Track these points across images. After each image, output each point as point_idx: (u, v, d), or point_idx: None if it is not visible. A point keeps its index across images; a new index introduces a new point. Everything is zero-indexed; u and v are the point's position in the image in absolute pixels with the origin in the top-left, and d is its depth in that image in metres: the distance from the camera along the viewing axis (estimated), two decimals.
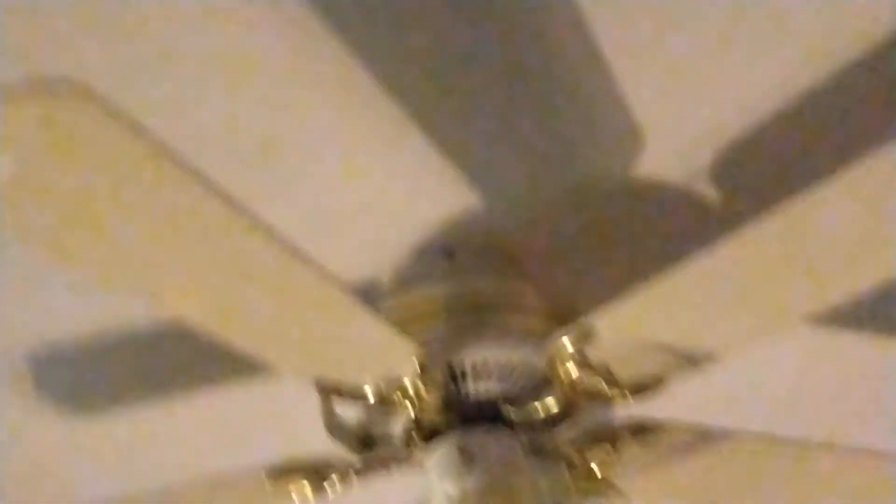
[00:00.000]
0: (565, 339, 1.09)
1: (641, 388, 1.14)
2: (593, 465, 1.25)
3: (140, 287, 0.88)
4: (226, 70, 1.01)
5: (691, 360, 1.11)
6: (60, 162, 0.69)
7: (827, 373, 1.48)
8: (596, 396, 1.14)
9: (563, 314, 1.17)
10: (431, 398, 1.13)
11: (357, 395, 1.10)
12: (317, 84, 1.04)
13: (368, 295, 1.25)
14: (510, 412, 1.18)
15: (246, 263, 0.85)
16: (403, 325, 1.14)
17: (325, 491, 1.22)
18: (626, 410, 1.22)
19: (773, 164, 1.22)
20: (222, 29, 0.97)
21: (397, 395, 1.10)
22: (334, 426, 1.19)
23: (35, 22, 0.93)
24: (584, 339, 1.08)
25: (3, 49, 0.93)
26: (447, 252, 1.25)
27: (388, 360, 1.03)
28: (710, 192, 1.24)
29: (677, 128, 1.17)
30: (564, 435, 1.23)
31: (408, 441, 1.19)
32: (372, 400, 1.10)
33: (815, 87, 1.14)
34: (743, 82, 1.13)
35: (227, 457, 1.30)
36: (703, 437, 1.29)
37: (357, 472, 1.23)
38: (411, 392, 1.09)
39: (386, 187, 1.18)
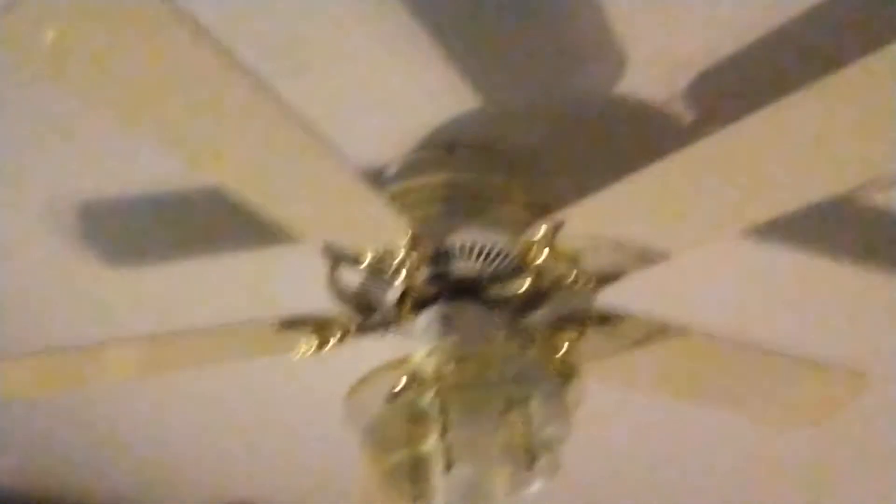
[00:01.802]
0: (540, 230, 1.26)
1: (603, 278, 1.32)
2: (560, 346, 1.44)
3: (182, 151, 1.06)
4: None
5: (647, 257, 1.28)
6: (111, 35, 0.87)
7: (766, 284, 1.65)
8: (563, 282, 1.32)
9: (544, 209, 1.34)
10: (421, 271, 1.31)
11: (358, 262, 1.29)
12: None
13: (376, 179, 1.43)
14: (490, 291, 1.36)
15: (269, 139, 1.02)
16: (403, 206, 1.32)
17: (327, 344, 1.42)
18: (592, 301, 1.40)
19: (749, 89, 1.36)
20: None
21: (392, 266, 1.28)
22: (338, 290, 1.39)
23: None
24: (555, 230, 1.25)
25: None
26: (448, 146, 1.41)
27: (385, 233, 1.22)
28: (687, 113, 1.39)
29: (660, 50, 1.30)
30: (537, 317, 1.42)
31: (400, 308, 1.37)
32: (370, 267, 1.29)
33: (792, 15, 1.25)
34: (723, 11, 1.25)
35: (247, 311, 1.48)
36: (660, 331, 1.47)
37: (355, 331, 1.42)
38: (404, 263, 1.27)
39: (398, 87, 1.34)
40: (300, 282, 1.46)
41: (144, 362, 1.55)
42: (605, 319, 1.44)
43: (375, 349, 1.40)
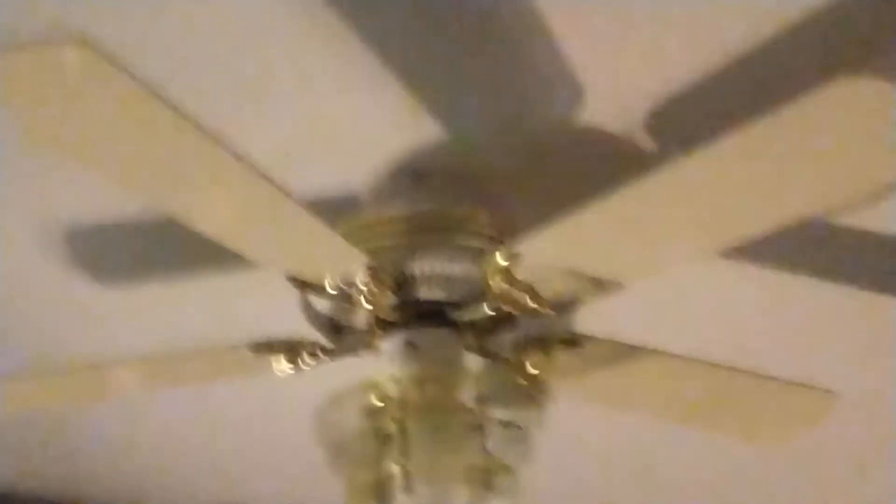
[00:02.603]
0: (497, 259, 1.30)
1: (560, 305, 1.35)
2: (528, 367, 1.47)
3: (137, 192, 1.12)
4: (221, 16, 1.22)
5: (601, 286, 1.31)
6: (63, 96, 0.92)
7: (738, 302, 1.67)
8: (522, 308, 1.35)
9: (504, 238, 1.37)
10: (385, 297, 1.35)
11: (322, 291, 1.34)
12: (305, 32, 1.24)
13: (346, 206, 1.48)
14: (454, 315, 1.40)
15: (219, 180, 1.08)
16: (365, 235, 1.37)
17: (299, 365, 1.47)
18: (556, 325, 1.44)
19: (708, 116, 1.39)
20: None
21: (354, 294, 1.32)
22: (309, 313, 1.44)
23: None
24: (511, 259, 1.29)
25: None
26: (414, 175, 1.46)
27: (342, 265, 1.26)
28: (648, 141, 1.42)
29: (619, 80, 1.34)
30: (503, 339, 1.46)
31: (369, 331, 1.42)
32: (333, 296, 1.34)
33: (745, 44, 1.28)
34: (680, 41, 1.27)
35: (220, 332, 1.55)
36: (626, 352, 1.50)
37: (326, 353, 1.47)
38: (365, 292, 1.31)
39: (363, 117, 1.38)
40: (277, 302, 1.51)
41: (138, 382, 1.62)
42: (570, 341, 1.47)
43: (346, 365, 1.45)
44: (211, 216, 1.15)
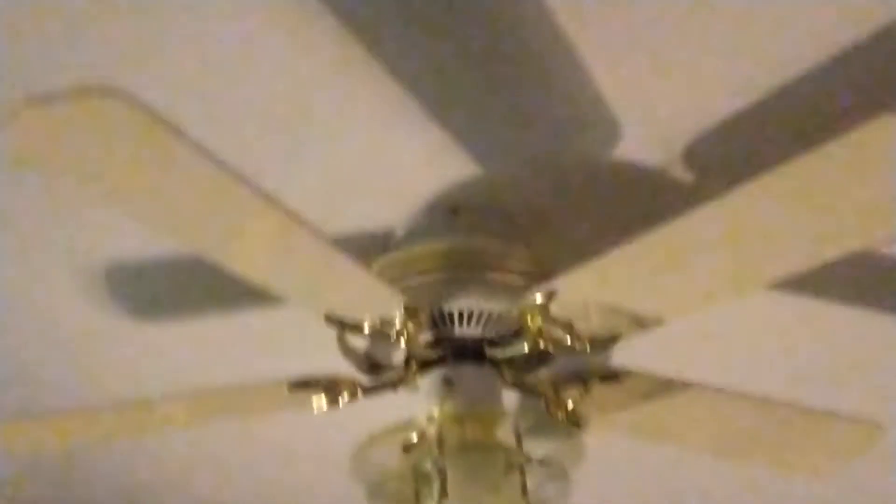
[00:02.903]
0: (534, 296, 1.29)
1: (599, 342, 1.34)
2: (566, 402, 1.46)
3: (171, 237, 1.13)
4: (256, 60, 1.23)
5: (640, 323, 1.30)
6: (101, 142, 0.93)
7: (783, 334, 1.64)
8: (560, 345, 1.34)
9: (541, 275, 1.37)
10: (422, 335, 1.35)
11: (360, 329, 1.34)
12: (338, 74, 1.25)
13: (383, 242, 1.48)
14: (491, 352, 1.40)
15: (257, 229, 1.08)
16: (402, 274, 1.37)
17: (337, 403, 1.47)
18: (594, 360, 1.42)
19: (745, 149, 1.37)
20: (251, 21, 1.18)
21: (392, 332, 1.32)
22: (347, 351, 1.44)
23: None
24: (548, 296, 1.28)
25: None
26: (452, 209, 1.45)
27: (379, 306, 1.26)
28: (684, 174, 1.40)
29: (654, 114, 1.33)
30: (541, 374, 1.45)
31: (406, 368, 1.42)
32: (371, 334, 1.34)
33: (786, 78, 1.26)
34: (717, 73, 1.26)
35: (256, 368, 1.55)
36: (666, 386, 1.49)
37: (366, 390, 1.47)
38: (402, 331, 1.31)
39: (399, 154, 1.38)
40: (311, 338, 1.51)
41: (183, 416, 1.62)
42: (609, 376, 1.46)
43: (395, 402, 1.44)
44: (247, 260, 1.16)
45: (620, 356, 1.48)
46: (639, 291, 1.27)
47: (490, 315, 1.37)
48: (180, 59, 1.22)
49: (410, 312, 1.29)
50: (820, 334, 1.66)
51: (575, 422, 1.47)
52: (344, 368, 1.45)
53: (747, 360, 1.72)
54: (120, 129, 0.95)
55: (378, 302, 1.26)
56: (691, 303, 1.29)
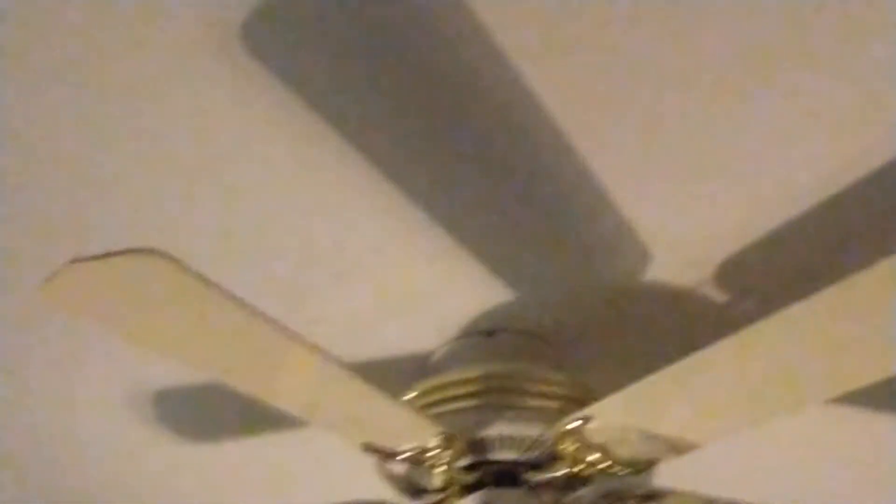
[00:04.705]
0: (569, 422, 1.30)
1: (636, 466, 1.34)
2: None
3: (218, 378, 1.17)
4: (295, 200, 1.28)
5: (677, 448, 1.30)
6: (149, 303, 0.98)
7: (833, 450, 1.62)
8: (596, 469, 1.34)
9: (576, 399, 1.38)
10: (460, 461, 1.36)
11: (398, 456, 1.35)
12: (374, 208, 1.30)
13: (422, 366, 1.50)
14: (529, 476, 1.40)
15: (294, 372, 1.13)
16: (441, 396, 1.39)
17: None
18: (633, 483, 1.42)
19: (775, 269, 1.38)
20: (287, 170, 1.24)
21: (428, 459, 1.34)
22: (388, 476, 1.46)
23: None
24: (584, 423, 1.29)
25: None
26: (488, 332, 1.48)
27: (416, 436, 1.28)
28: (716, 295, 1.41)
29: (683, 238, 1.35)
30: (581, 498, 1.44)
31: (445, 492, 1.43)
32: (410, 459, 1.35)
33: (810, 202, 1.28)
34: (741, 199, 1.29)
35: (294, 495, 1.57)
36: None
37: None
38: (439, 458, 1.32)
39: (435, 283, 1.42)
40: (354, 463, 1.53)
41: None
42: (649, 497, 1.45)
43: None
44: (285, 399, 1.20)
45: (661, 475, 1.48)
46: (672, 419, 1.27)
47: (526, 440, 1.37)
48: (219, 212, 1.29)
49: (446, 439, 1.30)
50: (867, 449, 1.63)
51: None
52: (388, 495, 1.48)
53: (792, 477, 1.69)
54: (158, 285, 0.99)
55: (413, 432, 1.28)
56: (725, 429, 1.29)
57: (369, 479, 1.46)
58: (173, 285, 0.97)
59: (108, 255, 0.96)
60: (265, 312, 1.05)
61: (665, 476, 1.46)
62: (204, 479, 1.81)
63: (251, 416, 1.65)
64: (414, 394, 1.43)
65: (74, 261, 0.98)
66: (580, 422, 1.29)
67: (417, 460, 1.35)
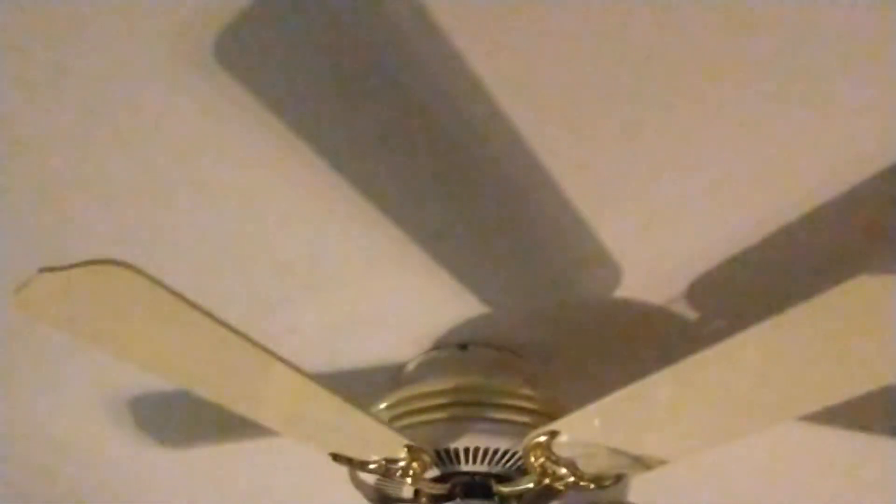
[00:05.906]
0: (537, 435, 1.31)
1: (604, 480, 1.35)
2: None
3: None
4: (269, 211, 1.30)
5: (644, 463, 1.31)
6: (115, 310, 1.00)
7: (798, 467, 1.63)
8: (564, 483, 1.35)
9: (547, 412, 1.39)
10: (428, 472, 1.37)
11: (367, 467, 1.36)
12: (348, 220, 1.31)
13: (393, 378, 1.52)
14: (498, 488, 1.41)
15: (264, 384, 1.14)
16: (412, 408, 1.40)
17: None
18: (603, 496, 1.43)
19: (745, 288, 1.39)
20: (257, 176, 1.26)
21: (398, 470, 1.35)
22: (359, 485, 1.47)
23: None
24: (552, 436, 1.30)
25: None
26: (460, 345, 1.49)
27: (383, 447, 1.30)
28: (687, 312, 1.43)
29: (655, 256, 1.36)
30: None
31: (415, 503, 1.44)
32: (379, 469, 1.36)
33: (780, 224, 1.30)
34: (714, 221, 1.30)
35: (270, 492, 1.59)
36: None
37: None
38: (408, 469, 1.34)
39: (407, 297, 1.44)
40: (318, 476, 1.54)
41: None
42: None
43: None
44: (251, 409, 1.21)
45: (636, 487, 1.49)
46: (640, 434, 1.28)
47: (496, 452, 1.39)
48: (195, 222, 1.30)
49: (414, 452, 1.31)
50: (836, 464, 1.64)
51: None
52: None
53: (765, 493, 1.71)
54: (120, 296, 1.01)
55: (381, 443, 1.29)
56: (693, 446, 1.30)
57: (345, 487, 1.47)
58: (135, 296, 0.99)
59: (73, 265, 0.98)
60: (230, 323, 1.06)
61: (640, 491, 1.48)
62: (184, 483, 1.82)
63: (231, 422, 1.66)
64: (386, 404, 1.45)
65: (44, 270, 1.00)
66: (548, 436, 1.30)
67: (386, 471, 1.36)
